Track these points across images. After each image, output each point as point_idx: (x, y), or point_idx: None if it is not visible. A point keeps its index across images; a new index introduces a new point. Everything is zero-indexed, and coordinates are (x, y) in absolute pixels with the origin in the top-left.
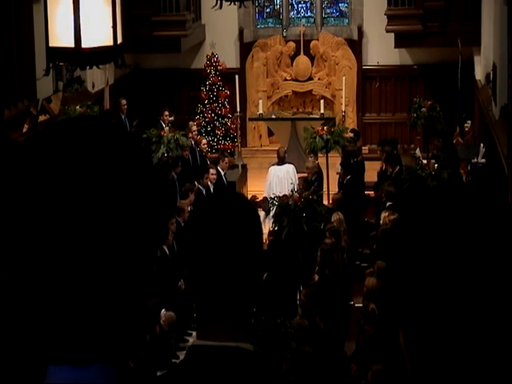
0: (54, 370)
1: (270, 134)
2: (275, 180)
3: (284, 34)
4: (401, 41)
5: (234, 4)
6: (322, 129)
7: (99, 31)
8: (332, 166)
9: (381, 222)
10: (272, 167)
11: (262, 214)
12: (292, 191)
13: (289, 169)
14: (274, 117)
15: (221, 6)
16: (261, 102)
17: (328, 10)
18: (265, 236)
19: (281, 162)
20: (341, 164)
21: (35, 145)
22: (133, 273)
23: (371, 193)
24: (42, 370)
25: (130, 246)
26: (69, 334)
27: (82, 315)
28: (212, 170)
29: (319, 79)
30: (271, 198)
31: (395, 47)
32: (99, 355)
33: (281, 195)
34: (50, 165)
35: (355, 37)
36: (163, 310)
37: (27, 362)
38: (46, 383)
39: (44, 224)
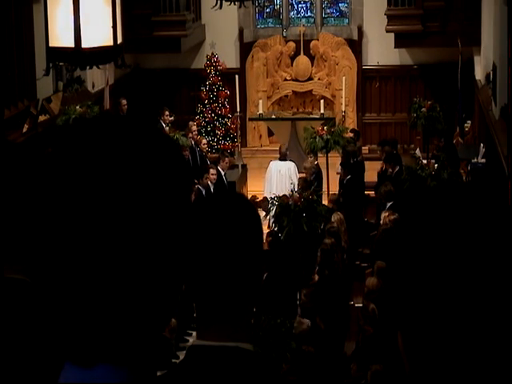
0: (64, 369)
1: (270, 134)
2: (276, 175)
3: (284, 34)
4: (401, 41)
5: (234, 4)
6: (322, 129)
7: (99, 31)
8: (332, 166)
9: (381, 222)
10: (273, 162)
11: (262, 213)
12: (292, 191)
13: (290, 166)
14: (273, 117)
15: (221, 6)
16: (261, 101)
17: (328, 10)
18: (265, 236)
19: (282, 157)
20: (341, 164)
21: (67, 142)
22: (155, 278)
23: (371, 193)
24: (55, 369)
25: (154, 249)
26: (77, 334)
27: (92, 315)
28: (212, 170)
29: (319, 79)
30: (271, 198)
31: (395, 47)
32: (107, 356)
33: (280, 192)
34: (85, 163)
35: (355, 37)
36: None
37: (42, 360)
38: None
39: (74, 223)
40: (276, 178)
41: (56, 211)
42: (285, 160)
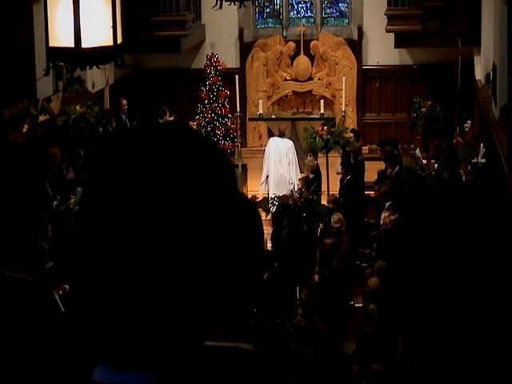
0: (98, 369)
1: (270, 134)
2: (275, 151)
3: (284, 34)
4: (401, 41)
5: (234, 4)
6: (322, 129)
7: (99, 31)
8: (332, 166)
9: (381, 222)
10: (272, 139)
11: (262, 214)
12: (292, 191)
13: (288, 144)
14: (273, 117)
15: (221, 6)
16: (261, 101)
17: (328, 10)
18: (265, 236)
19: (281, 135)
20: (341, 164)
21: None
22: (200, 287)
23: (371, 193)
24: (91, 367)
25: (199, 256)
26: (114, 336)
27: (131, 320)
28: None
29: (319, 79)
30: (271, 198)
31: (395, 47)
32: (141, 362)
33: (278, 169)
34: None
35: (355, 37)
36: None
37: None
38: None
39: (118, 229)
40: (274, 155)
41: (101, 220)
42: (283, 137)
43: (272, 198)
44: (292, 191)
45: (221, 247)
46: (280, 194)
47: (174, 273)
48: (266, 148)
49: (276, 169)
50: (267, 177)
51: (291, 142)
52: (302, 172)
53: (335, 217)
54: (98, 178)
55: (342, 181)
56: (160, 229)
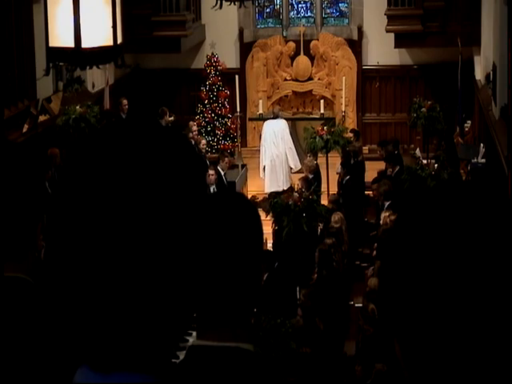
0: (80, 372)
1: None
2: (270, 134)
3: (284, 34)
4: (401, 41)
5: (234, 4)
6: (322, 129)
7: (99, 31)
8: (332, 166)
9: (381, 222)
10: (267, 121)
11: (262, 213)
12: (292, 191)
13: (282, 125)
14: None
15: (221, 6)
16: (261, 102)
17: (328, 10)
18: (265, 236)
19: (275, 116)
20: (341, 164)
21: (92, 149)
22: (179, 284)
23: (371, 193)
24: (71, 371)
25: (177, 253)
26: (97, 340)
27: (115, 322)
28: (210, 171)
29: (319, 79)
30: (272, 196)
31: (395, 47)
32: (124, 364)
33: (274, 151)
34: (109, 165)
35: (355, 37)
36: None
37: (58, 362)
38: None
39: (97, 225)
40: (270, 137)
41: (75, 215)
42: (277, 118)
43: (272, 199)
44: (292, 191)
45: (189, 242)
46: (277, 173)
47: (154, 273)
48: (262, 131)
49: (272, 151)
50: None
51: (284, 121)
52: (299, 154)
53: (335, 216)
54: (74, 174)
55: (341, 181)
56: (131, 226)
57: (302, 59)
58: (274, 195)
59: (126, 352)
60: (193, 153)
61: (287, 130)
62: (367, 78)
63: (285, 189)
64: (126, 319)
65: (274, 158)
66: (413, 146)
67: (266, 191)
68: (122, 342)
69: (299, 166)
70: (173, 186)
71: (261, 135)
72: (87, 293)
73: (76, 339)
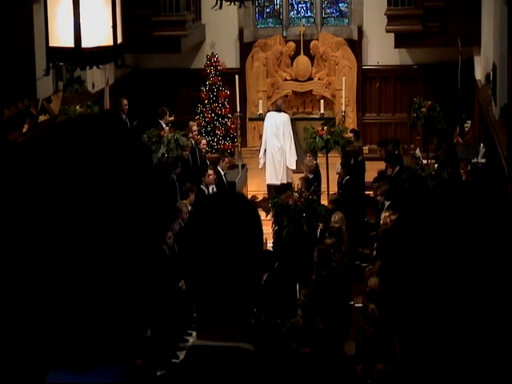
0: (52, 375)
1: None
2: (271, 126)
3: (284, 34)
4: (401, 41)
5: (234, 4)
6: (322, 129)
7: (99, 31)
8: (332, 166)
9: (381, 222)
10: (269, 113)
11: (262, 213)
12: (292, 191)
13: (285, 118)
14: None
15: (221, 6)
16: (261, 102)
17: (328, 10)
18: (265, 236)
19: (278, 109)
20: (341, 164)
21: (36, 144)
22: (133, 274)
23: (371, 193)
24: (42, 375)
25: (130, 246)
26: (68, 338)
27: (81, 318)
28: (210, 171)
29: (319, 79)
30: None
31: (395, 47)
32: (97, 359)
33: (275, 142)
34: (50, 165)
35: (355, 37)
36: None
37: (28, 366)
38: None
39: (45, 225)
40: (271, 129)
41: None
42: (280, 112)
43: (272, 198)
44: (292, 191)
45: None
46: (276, 165)
47: (112, 266)
48: (264, 122)
49: (273, 142)
50: (265, 150)
51: (287, 115)
52: (298, 154)
53: (336, 216)
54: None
55: (340, 181)
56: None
57: (302, 59)
58: (274, 195)
59: (99, 347)
60: (128, 135)
61: (289, 124)
62: (367, 77)
63: (284, 183)
64: (96, 314)
65: (274, 151)
66: (413, 145)
67: (266, 182)
68: (93, 338)
69: (293, 166)
70: (113, 169)
71: (262, 129)
72: (53, 289)
73: (45, 341)
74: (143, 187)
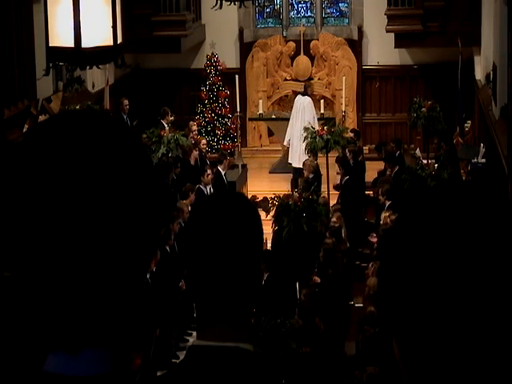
0: (49, 358)
1: (270, 134)
2: (297, 108)
3: (284, 34)
4: (401, 41)
5: (234, 4)
6: (322, 129)
7: (99, 31)
8: (332, 166)
9: (381, 222)
10: (299, 95)
11: (262, 213)
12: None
13: (305, 102)
14: (274, 117)
15: (221, 6)
16: (261, 102)
17: (328, 10)
18: (265, 236)
19: (303, 93)
20: (340, 164)
21: (33, 138)
22: (128, 269)
23: (371, 193)
24: (40, 359)
25: (127, 242)
26: (61, 321)
27: (75, 303)
28: (208, 171)
29: (319, 79)
30: (271, 198)
31: (395, 47)
32: (92, 341)
33: (298, 125)
34: (47, 160)
35: (355, 37)
36: None
37: (26, 351)
38: (43, 371)
39: (41, 219)
40: (296, 111)
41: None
42: (304, 95)
43: (272, 198)
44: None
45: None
46: (296, 150)
47: (105, 250)
48: (294, 103)
49: (299, 124)
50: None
51: (309, 99)
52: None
53: (335, 215)
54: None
55: (340, 182)
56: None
57: (302, 59)
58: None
59: (94, 329)
60: (126, 132)
61: (310, 108)
62: (367, 77)
63: (301, 167)
64: (90, 303)
65: (296, 132)
66: (413, 145)
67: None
68: (88, 323)
69: (296, 164)
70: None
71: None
72: (45, 274)
73: (40, 326)
74: (141, 184)
